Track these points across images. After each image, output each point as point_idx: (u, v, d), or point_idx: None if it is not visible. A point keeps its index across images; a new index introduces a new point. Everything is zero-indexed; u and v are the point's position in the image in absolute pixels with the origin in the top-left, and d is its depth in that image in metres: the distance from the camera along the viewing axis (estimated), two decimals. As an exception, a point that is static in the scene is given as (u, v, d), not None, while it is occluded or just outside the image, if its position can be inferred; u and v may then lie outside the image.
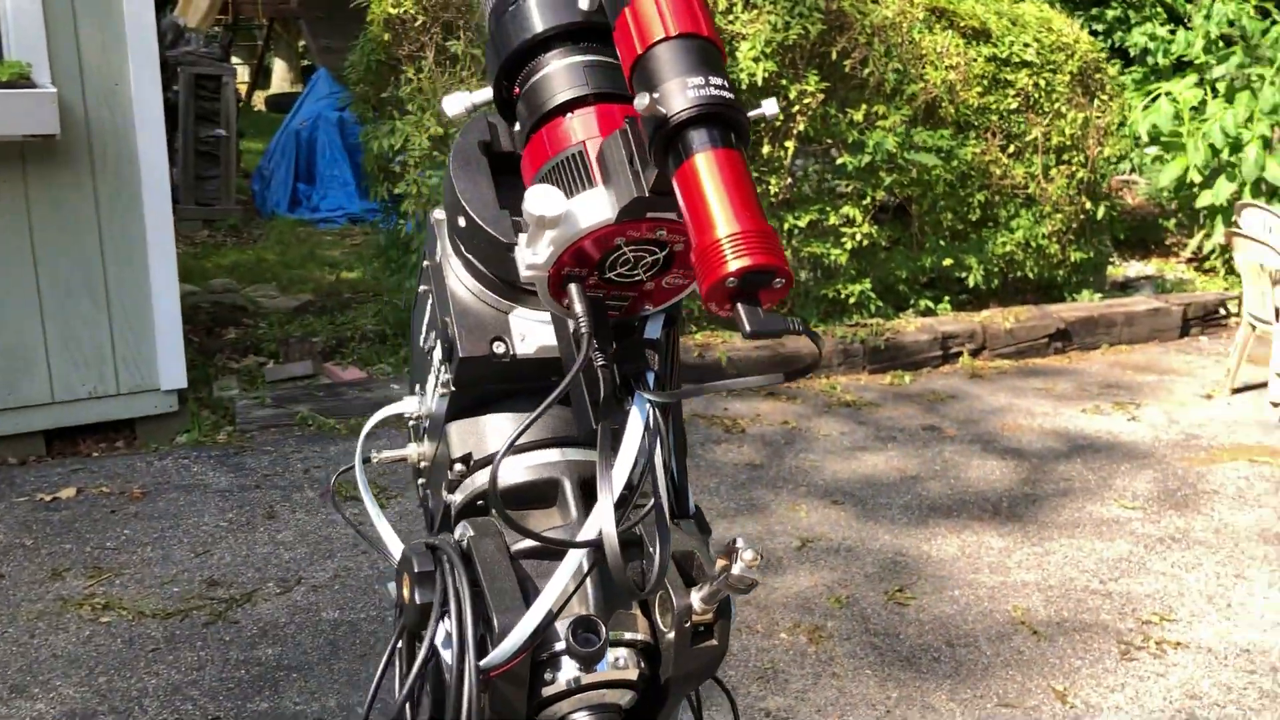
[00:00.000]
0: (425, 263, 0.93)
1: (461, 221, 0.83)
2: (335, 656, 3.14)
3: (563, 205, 0.68)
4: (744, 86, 5.59)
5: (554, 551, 0.82)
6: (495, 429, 0.87)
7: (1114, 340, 6.88)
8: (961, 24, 6.34)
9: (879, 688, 3.10)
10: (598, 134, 0.73)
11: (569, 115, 0.75)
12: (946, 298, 6.74)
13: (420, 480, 0.99)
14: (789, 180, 6.08)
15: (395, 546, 0.94)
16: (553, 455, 0.87)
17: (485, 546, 0.80)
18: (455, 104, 0.80)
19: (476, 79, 5.21)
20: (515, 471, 0.86)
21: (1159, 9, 9.08)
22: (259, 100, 16.35)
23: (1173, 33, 8.58)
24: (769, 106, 0.73)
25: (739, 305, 0.63)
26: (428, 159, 5.11)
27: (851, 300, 6.30)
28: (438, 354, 0.89)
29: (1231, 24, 8.05)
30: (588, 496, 0.86)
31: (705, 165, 0.65)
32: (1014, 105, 6.52)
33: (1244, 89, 7.85)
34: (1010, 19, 6.52)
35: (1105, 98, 6.86)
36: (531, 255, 0.71)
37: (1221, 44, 8.16)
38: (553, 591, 0.76)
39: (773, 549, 3.88)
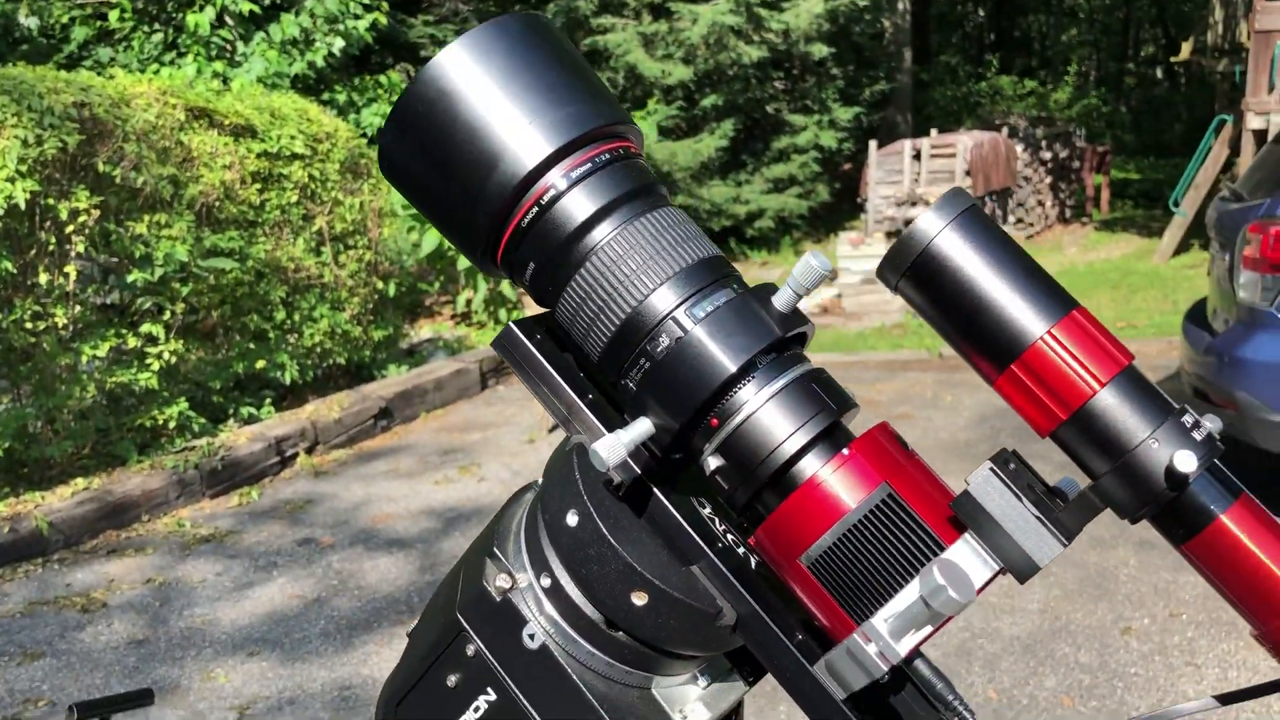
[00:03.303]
0: (470, 649, 0.66)
1: (640, 600, 0.62)
2: None
3: (987, 568, 0.53)
4: (2, 210, 4.83)
5: None
6: None
7: (429, 407, 7.19)
8: (225, 122, 6.12)
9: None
10: (880, 474, 0.58)
11: (823, 457, 0.60)
12: (268, 399, 6.50)
13: None
14: (77, 309, 5.38)
15: None
16: None
17: None
18: (613, 452, 0.58)
19: None
20: None
21: (381, 91, 9.65)
22: None
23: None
24: (1211, 422, 0.59)
25: None
26: None
27: (172, 424, 5.78)
28: None
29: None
30: None
31: (1242, 527, 0.56)
32: (294, 198, 6.48)
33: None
34: (271, 112, 6.45)
35: (374, 181, 7.12)
36: (895, 643, 0.54)
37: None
38: None
39: (209, 732, 3.42)
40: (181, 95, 5.96)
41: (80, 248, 5.25)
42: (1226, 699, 0.64)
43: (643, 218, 0.64)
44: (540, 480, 0.71)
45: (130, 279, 5.52)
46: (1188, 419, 0.57)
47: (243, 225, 6.19)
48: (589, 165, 0.64)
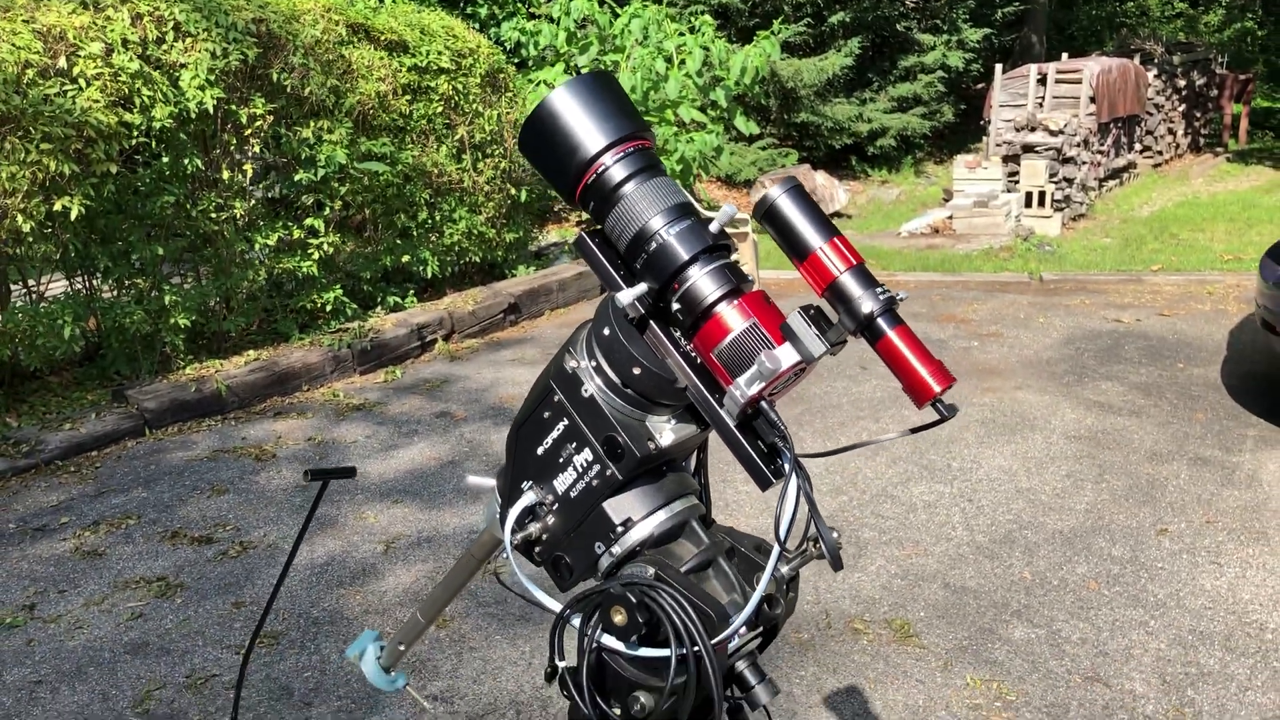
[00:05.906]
0: (556, 398, 1.25)
1: (636, 370, 1.18)
2: None
3: (792, 356, 1.08)
4: (194, 115, 5.57)
5: (698, 567, 1.22)
6: (640, 499, 1.23)
7: (553, 305, 7.85)
8: (381, 38, 6.76)
9: (512, 646, 3.58)
10: (752, 313, 1.13)
11: (727, 303, 1.13)
12: (411, 290, 7.23)
13: (539, 549, 1.30)
14: (251, 202, 6.14)
15: (554, 604, 1.26)
16: (678, 505, 1.25)
17: (672, 572, 1.18)
18: (625, 298, 1.14)
19: None
20: (662, 522, 1.23)
21: (520, 5, 10.17)
22: None
23: (537, 29, 9.71)
24: (900, 293, 1.15)
25: (937, 404, 1.10)
26: None
27: (328, 308, 6.55)
28: (584, 457, 1.23)
29: (585, 18, 9.32)
30: (706, 527, 1.27)
31: (900, 338, 1.09)
32: (439, 109, 7.12)
33: (605, 74, 9.16)
34: (421, 29, 7.07)
35: (511, 94, 7.71)
36: (747, 389, 1.10)
37: (580, 36, 9.41)
38: (761, 588, 1.17)
39: (362, 559, 4.16)
40: (343, 12, 6.61)
41: (256, 149, 5.99)
42: (914, 430, 1.18)
43: (649, 181, 1.19)
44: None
45: (296, 178, 6.25)
46: (879, 290, 1.11)
47: (393, 132, 6.86)
48: (623, 153, 1.18)
